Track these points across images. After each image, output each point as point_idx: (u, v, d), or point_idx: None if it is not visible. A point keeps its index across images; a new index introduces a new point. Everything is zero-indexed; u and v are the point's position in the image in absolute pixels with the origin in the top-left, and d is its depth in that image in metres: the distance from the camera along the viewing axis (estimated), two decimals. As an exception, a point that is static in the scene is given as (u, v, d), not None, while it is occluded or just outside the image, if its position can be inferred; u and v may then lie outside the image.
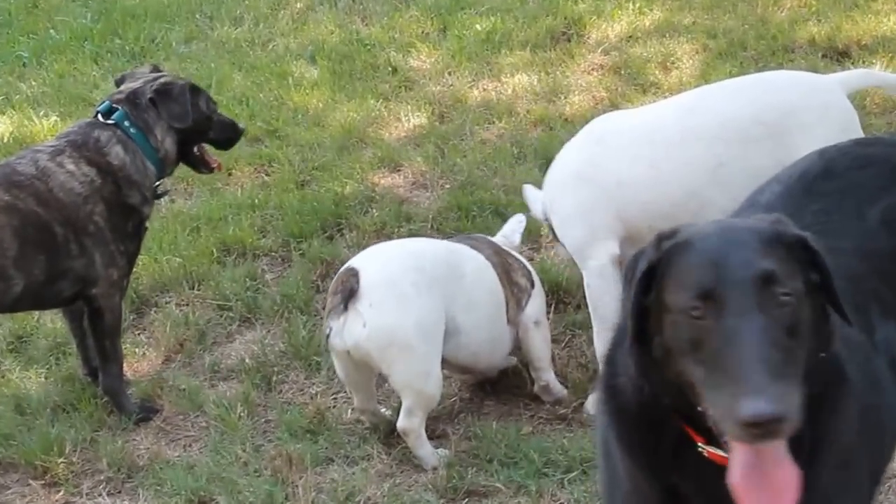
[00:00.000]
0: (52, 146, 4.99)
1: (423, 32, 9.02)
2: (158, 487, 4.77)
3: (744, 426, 2.40)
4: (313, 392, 5.26)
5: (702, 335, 2.53)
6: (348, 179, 6.87)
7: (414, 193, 6.79)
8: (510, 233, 5.45)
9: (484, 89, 7.98)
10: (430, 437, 4.82)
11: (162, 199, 5.60)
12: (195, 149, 5.35)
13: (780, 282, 2.53)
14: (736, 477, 2.54)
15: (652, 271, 2.67)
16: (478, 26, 8.90)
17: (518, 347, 5.11)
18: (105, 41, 9.34)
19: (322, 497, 4.61)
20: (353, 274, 4.56)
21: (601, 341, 4.78)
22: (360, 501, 4.59)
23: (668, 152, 4.79)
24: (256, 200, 6.72)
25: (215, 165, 5.43)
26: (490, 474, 4.60)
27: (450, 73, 8.23)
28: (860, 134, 4.73)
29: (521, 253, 5.42)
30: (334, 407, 5.17)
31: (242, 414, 5.11)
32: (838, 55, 7.85)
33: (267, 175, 7.12)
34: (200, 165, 5.40)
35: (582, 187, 4.90)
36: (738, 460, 2.54)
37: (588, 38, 8.57)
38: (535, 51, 8.42)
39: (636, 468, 2.84)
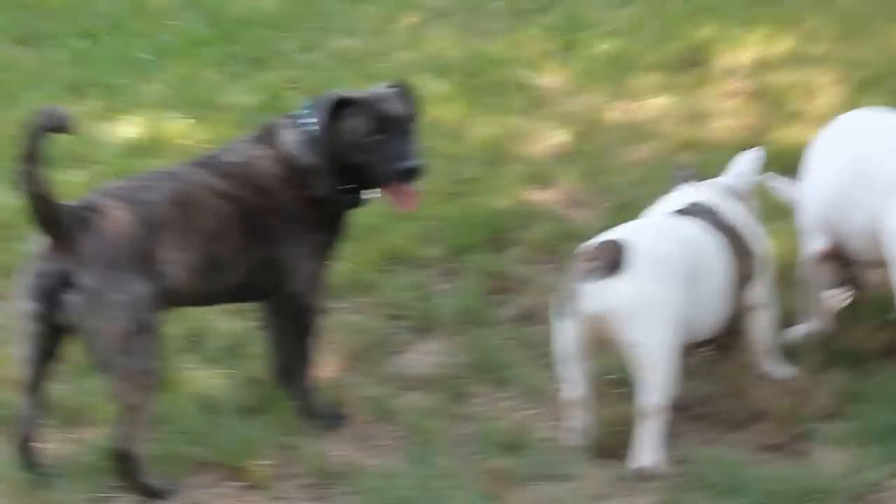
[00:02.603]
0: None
1: (546, 51, 8.99)
2: (358, 494, 4.69)
3: None
4: (505, 406, 5.20)
5: None
6: (501, 194, 6.81)
7: (571, 211, 6.75)
8: (744, 173, 5.41)
9: (623, 110, 7.93)
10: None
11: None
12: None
13: None
14: None
15: None
16: (602, 47, 8.87)
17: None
18: (222, 47, 9.28)
19: (535, 515, 4.53)
20: (622, 244, 4.68)
21: None
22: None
23: None
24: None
25: (394, 200, 5.02)
26: (713, 501, 4.52)
27: (583, 93, 8.19)
28: None
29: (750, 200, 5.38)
30: (531, 423, 5.07)
31: (439, 425, 5.01)
32: None
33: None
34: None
35: None
36: None
37: (718, 63, 8.53)
38: (667, 74, 8.38)
39: None
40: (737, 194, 5.34)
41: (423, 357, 5.57)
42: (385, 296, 5.95)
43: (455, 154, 7.35)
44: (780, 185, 5.67)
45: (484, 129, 7.71)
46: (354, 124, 4.85)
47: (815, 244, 5.31)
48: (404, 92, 5.02)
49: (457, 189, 7.00)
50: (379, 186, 4.94)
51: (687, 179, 5.42)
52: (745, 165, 5.46)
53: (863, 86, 7.84)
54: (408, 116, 4.91)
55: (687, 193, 5.32)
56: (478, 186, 6.95)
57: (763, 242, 5.28)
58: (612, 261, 4.70)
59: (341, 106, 4.86)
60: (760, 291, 5.18)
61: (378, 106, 4.86)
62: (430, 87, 8.35)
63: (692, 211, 5.14)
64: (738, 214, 5.24)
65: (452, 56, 9.02)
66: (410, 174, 4.84)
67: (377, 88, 5.04)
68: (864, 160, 4.98)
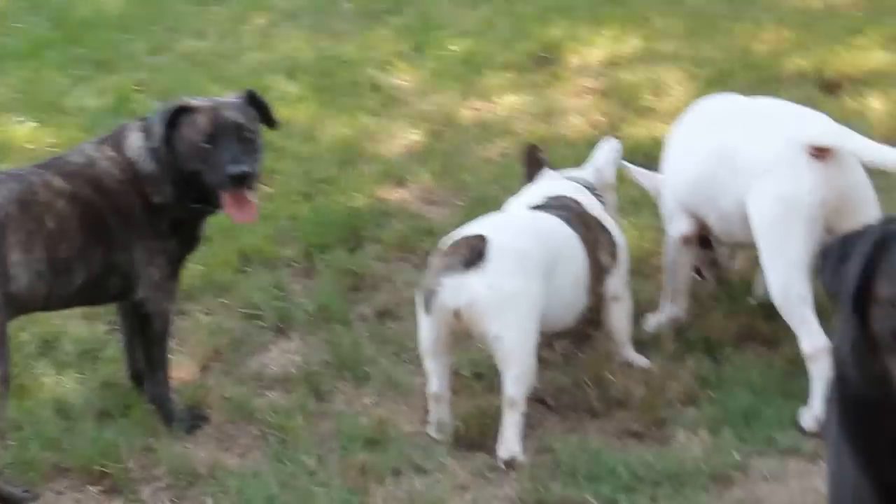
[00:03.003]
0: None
1: (398, 51, 9.02)
2: (224, 495, 4.64)
3: None
4: (366, 403, 5.18)
5: None
6: (356, 193, 6.81)
7: (426, 208, 6.78)
8: (603, 164, 5.54)
9: (475, 109, 7.98)
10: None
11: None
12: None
13: None
14: None
15: (869, 259, 2.65)
16: (453, 47, 8.93)
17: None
18: (66, 49, 9.14)
19: (401, 508, 4.52)
20: (482, 239, 4.69)
21: None
22: (443, 513, 4.50)
23: None
24: (265, 211, 6.59)
25: (229, 212, 4.86)
26: (577, 488, 4.55)
27: (435, 92, 8.22)
28: None
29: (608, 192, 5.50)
30: (393, 418, 5.07)
31: (300, 423, 4.99)
32: (828, 86, 8.00)
33: (268, 187, 7.01)
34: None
35: None
36: None
37: (569, 62, 8.64)
38: (519, 73, 8.46)
39: (857, 461, 2.81)
40: (595, 186, 5.41)
41: (282, 356, 5.53)
42: (241, 296, 5.90)
43: (308, 154, 7.34)
44: (640, 174, 5.76)
45: (337, 129, 7.71)
46: (188, 132, 4.78)
47: (678, 227, 5.39)
48: (251, 99, 4.96)
49: (311, 189, 6.99)
50: (215, 196, 4.84)
51: (541, 167, 5.48)
52: (602, 157, 5.53)
53: (710, 83, 7.98)
54: (244, 123, 4.83)
55: (546, 186, 5.38)
56: (332, 186, 6.95)
57: (620, 234, 5.36)
58: (472, 255, 4.72)
59: (179, 113, 4.81)
60: (617, 282, 5.25)
61: (212, 113, 4.80)
62: (281, 88, 8.35)
63: (551, 204, 5.19)
64: (596, 207, 5.31)
65: (303, 57, 9.01)
66: (239, 179, 4.74)
67: (224, 97, 5.01)
68: (727, 144, 5.07)
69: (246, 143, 4.77)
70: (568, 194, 5.27)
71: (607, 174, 5.53)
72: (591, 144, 7.01)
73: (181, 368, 5.35)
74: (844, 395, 2.82)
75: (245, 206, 4.80)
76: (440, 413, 4.90)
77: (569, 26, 9.15)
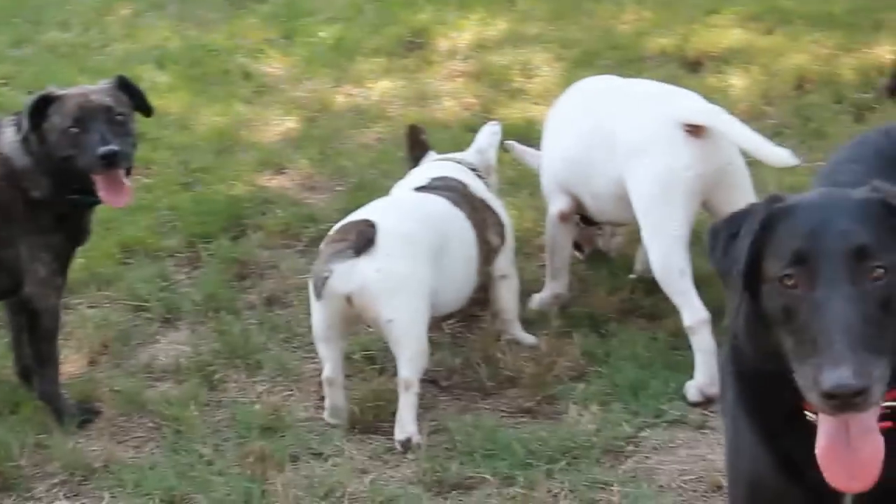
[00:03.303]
0: None
1: (267, 39, 8.96)
2: (121, 489, 4.58)
3: (825, 397, 2.41)
4: (259, 390, 5.15)
5: (793, 304, 2.54)
6: (235, 181, 6.75)
7: (306, 195, 6.75)
8: (485, 147, 5.58)
9: (348, 94, 7.96)
10: (391, 433, 4.79)
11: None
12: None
13: (874, 255, 2.53)
14: (821, 448, 2.55)
15: (757, 237, 2.66)
16: (322, 33, 8.90)
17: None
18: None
19: (301, 494, 4.50)
20: (370, 224, 4.70)
21: None
22: (342, 497, 4.48)
23: None
24: (145, 202, 6.53)
25: (102, 197, 4.79)
26: (474, 466, 4.57)
27: (308, 79, 8.19)
28: None
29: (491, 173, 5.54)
30: (287, 404, 5.05)
31: (194, 413, 4.94)
32: (691, 65, 8.14)
33: (146, 177, 6.93)
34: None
35: None
36: (823, 431, 2.55)
37: (438, 46, 8.66)
38: (389, 58, 8.46)
39: (759, 437, 2.84)
40: (478, 168, 5.45)
41: (171, 347, 5.47)
42: (126, 288, 5.83)
43: (184, 144, 7.26)
44: (527, 154, 5.82)
45: (211, 118, 7.63)
46: (55, 121, 4.71)
47: (556, 205, 5.44)
48: (121, 84, 4.89)
49: (189, 178, 6.92)
50: (91, 183, 4.75)
51: (425, 149, 5.50)
52: (484, 140, 5.57)
53: (577, 63, 8.07)
54: (112, 106, 4.76)
55: (430, 168, 5.39)
56: (211, 175, 6.88)
57: (505, 214, 5.40)
58: (360, 241, 4.72)
59: (45, 104, 4.72)
60: (505, 261, 5.29)
61: (79, 98, 4.73)
62: (152, 78, 8.24)
63: (436, 186, 5.21)
64: (481, 188, 5.34)
65: (172, 47, 8.92)
66: (109, 159, 4.66)
67: (93, 85, 4.93)
68: (603, 125, 5.14)
69: (116, 124, 4.71)
70: (452, 175, 5.29)
71: (489, 156, 5.57)
72: (465, 126, 7.11)
73: (69, 363, 5.26)
74: (741, 369, 2.84)
75: (119, 189, 4.73)
76: (335, 398, 4.89)
77: (436, 11, 9.17)
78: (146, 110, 4.95)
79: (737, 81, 7.71)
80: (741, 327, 2.78)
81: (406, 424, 4.73)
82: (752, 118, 7.23)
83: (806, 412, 2.67)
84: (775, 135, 7.02)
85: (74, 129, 4.66)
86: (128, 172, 4.81)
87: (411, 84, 7.98)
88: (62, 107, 4.69)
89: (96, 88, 4.82)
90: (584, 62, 8.07)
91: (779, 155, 4.82)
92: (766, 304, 2.63)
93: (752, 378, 2.81)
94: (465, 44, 8.60)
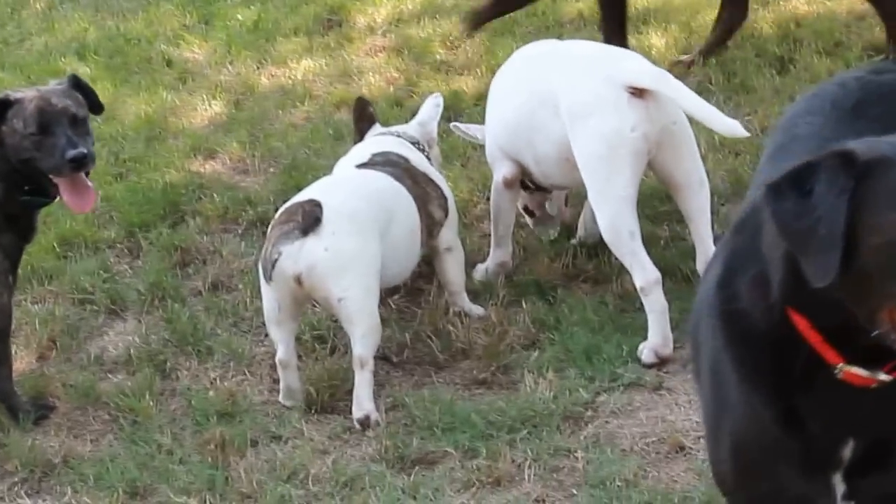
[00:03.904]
0: None
1: (185, 25, 8.76)
2: (83, 483, 4.44)
3: None
4: (212, 377, 5.02)
5: None
6: (168, 168, 6.58)
7: (240, 178, 6.59)
8: (427, 119, 5.50)
9: (272, 75, 7.80)
10: (349, 412, 4.69)
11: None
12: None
13: None
14: None
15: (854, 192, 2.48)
16: (239, 16, 8.72)
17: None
18: None
19: (263, 478, 4.38)
20: (316, 204, 4.61)
21: None
22: (306, 479, 4.38)
23: None
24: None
25: (66, 200, 4.71)
26: (436, 440, 4.48)
27: (230, 63, 8.01)
28: None
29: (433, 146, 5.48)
30: (241, 389, 4.92)
31: (149, 403, 4.79)
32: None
33: (77, 169, 6.72)
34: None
35: None
36: None
37: (356, 22, 8.51)
38: (310, 37, 8.30)
39: (754, 391, 2.78)
40: (420, 141, 5.34)
41: (120, 338, 5.32)
42: (69, 282, 5.64)
43: (113, 134, 7.06)
44: (467, 130, 5.70)
45: (137, 107, 7.43)
46: (16, 125, 4.59)
47: (501, 171, 5.33)
48: (74, 85, 4.79)
49: (122, 169, 6.73)
50: (48, 186, 4.68)
51: (371, 122, 5.38)
52: (426, 112, 5.47)
53: (496, 33, 7.94)
54: (73, 108, 4.65)
55: (371, 144, 5.28)
56: (143, 164, 6.70)
57: (447, 187, 5.29)
58: (307, 221, 4.61)
59: (3, 108, 4.60)
60: (449, 234, 5.19)
61: (39, 101, 4.61)
62: (74, 70, 7.95)
63: (380, 162, 5.10)
64: (423, 162, 5.23)
65: (91, 38, 8.68)
66: (79, 162, 4.57)
67: (46, 86, 4.82)
68: (547, 88, 5.03)
69: (78, 126, 4.60)
70: (394, 150, 5.17)
71: (431, 129, 5.47)
72: (392, 102, 7.00)
73: (18, 360, 5.09)
74: (741, 331, 2.75)
75: (84, 193, 4.65)
76: (289, 380, 4.78)
77: (351, -13, 8.99)
78: (98, 109, 4.86)
79: (657, 41, 7.63)
80: (780, 287, 2.63)
81: (363, 402, 4.63)
82: (675, 77, 7.17)
83: (837, 366, 2.59)
84: (700, 91, 6.96)
85: (37, 134, 4.54)
86: (86, 174, 4.67)
87: (334, 62, 7.82)
88: (22, 110, 4.58)
89: (52, 90, 4.70)
90: (504, 31, 7.95)
91: (729, 125, 4.75)
92: (874, 261, 2.46)
93: (760, 337, 2.70)
94: (382, 19, 8.44)
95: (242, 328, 5.30)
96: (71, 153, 4.53)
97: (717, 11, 7.41)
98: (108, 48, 8.42)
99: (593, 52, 5.25)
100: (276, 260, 4.60)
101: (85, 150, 4.57)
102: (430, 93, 6.55)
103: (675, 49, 7.56)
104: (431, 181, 5.15)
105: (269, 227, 4.78)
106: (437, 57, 7.79)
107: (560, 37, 7.26)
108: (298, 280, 4.61)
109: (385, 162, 5.09)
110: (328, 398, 4.77)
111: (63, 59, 8.24)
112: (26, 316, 5.39)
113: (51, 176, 4.62)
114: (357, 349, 4.65)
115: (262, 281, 4.71)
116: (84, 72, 7.88)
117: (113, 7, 9.31)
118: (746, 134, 4.88)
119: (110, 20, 9.05)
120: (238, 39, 8.30)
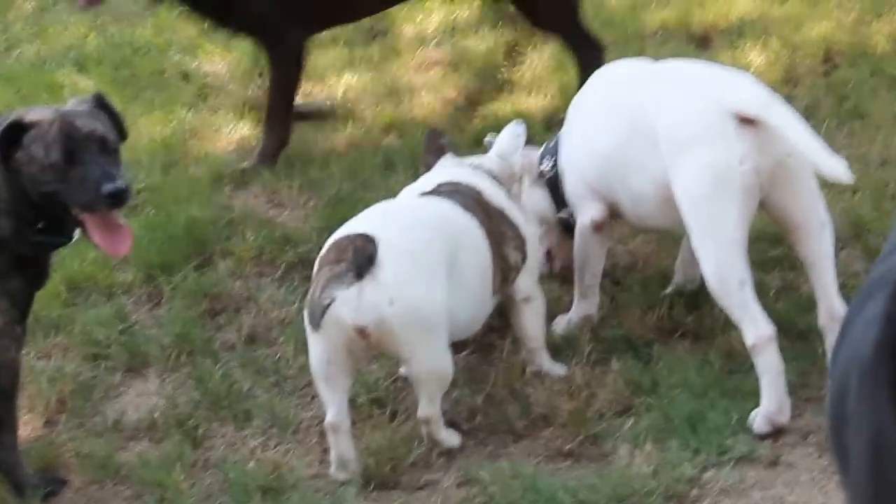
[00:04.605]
0: None
1: (202, 32, 8.88)
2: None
3: None
4: (252, 445, 5.11)
5: None
6: (191, 201, 6.70)
7: (274, 213, 6.72)
8: (508, 151, 5.54)
9: (308, 92, 7.93)
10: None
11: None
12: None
13: None
14: None
15: None
16: (266, 22, 8.84)
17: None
18: None
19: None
20: (369, 240, 4.63)
21: None
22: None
23: None
24: (88, 231, 6.45)
25: (96, 241, 4.74)
26: (515, 524, 4.57)
27: (259, 76, 8.14)
28: None
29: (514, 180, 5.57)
30: (287, 460, 5.02)
31: (179, 477, 4.89)
32: (699, 41, 8.17)
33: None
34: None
35: None
36: None
37: (403, 32, 8.64)
38: (351, 48, 8.43)
39: None
40: (497, 175, 5.41)
41: (141, 399, 5.43)
42: (79, 334, 5.76)
43: (125, 160, 7.13)
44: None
45: (150, 128, 7.57)
46: (35, 151, 4.61)
47: (589, 213, 5.43)
48: (99, 105, 4.85)
49: (135, 201, 6.80)
50: (70, 224, 4.74)
51: (442, 153, 5.47)
52: (506, 143, 5.54)
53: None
54: (104, 133, 4.71)
55: (439, 173, 5.36)
56: (161, 195, 6.81)
57: (528, 226, 5.37)
58: (360, 260, 4.65)
59: (16, 132, 4.63)
60: (528, 281, 5.27)
61: (62, 125, 4.64)
62: (74, 84, 8.16)
63: (447, 191, 5.17)
64: (499, 195, 5.31)
65: (90, 46, 8.84)
66: (115, 198, 4.63)
67: (66, 105, 4.86)
68: (643, 115, 5.12)
69: (109, 154, 4.66)
70: (465, 181, 5.25)
71: (513, 162, 5.53)
72: (450, 125, 7.09)
73: (22, 425, 5.18)
74: None
75: (118, 232, 4.71)
76: (341, 447, 4.85)
77: (395, -9, 9.12)
78: (123, 135, 4.89)
79: (755, 57, 7.75)
80: None
81: (442, 442, 4.85)
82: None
83: None
84: (808, 117, 7.03)
85: (62, 163, 4.59)
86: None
87: (379, 77, 7.95)
88: (42, 135, 4.60)
89: (77, 111, 4.74)
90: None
91: (834, 168, 4.77)
92: None
93: None
94: (434, 28, 8.58)
95: (286, 389, 5.39)
96: (108, 187, 4.59)
97: (821, 23, 7.53)
98: (113, 58, 8.56)
99: (695, 73, 5.32)
100: (327, 305, 4.67)
101: (124, 184, 4.63)
102: (494, 116, 6.70)
103: (778, 67, 7.66)
104: (508, 219, 5.24)
105: (316, 265, 4.85)
106: (500, 73, 7.90)
107: (642, 52, 7.40)
108: (362, 332, 4.68)
109: (452, 191, 5.18)
110: (389, 471, 4.85)
111: (60, 71, 8.38)
112: (31, 374, 5.50)
113: (76, 213, 4.67)
114: (424, 409, 4.78)
115: (309, 329, 4.78)
116: (85, 86, 8.04)
117: (116, 11, 9.42)
118: (851, 179, 4.89)
119: (113, 26, 9.19)
120: (266, 49, 8.42)
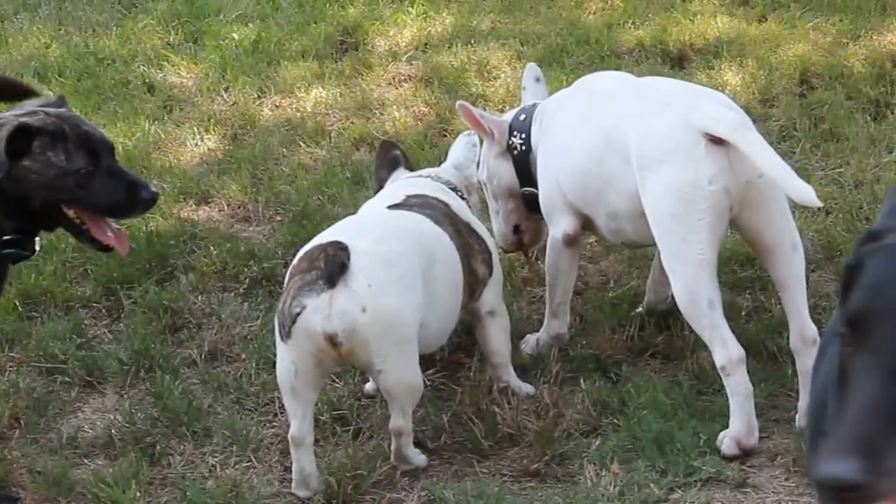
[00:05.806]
0: None
1: (168, 43, 8.95)
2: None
3: (818, 485, 2.32)
4: (211, 463, 5.13)
5: (843, 365, 2.48)
6: (154, 215, 6.70)
7: (238, 227, 6.74)
8: (464, 162, 5.62)
9: (276, 106, 7.97)
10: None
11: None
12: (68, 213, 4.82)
13: None
14: None
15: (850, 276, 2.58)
16: (235, 34, 8.89)
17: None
18: None
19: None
20: (341, 247, 4.64)
21: None
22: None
23: None
24: (47, 244, 6.45)
25: (108, 242, 4.88)
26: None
27: (226, 90, 8.18)
28: None
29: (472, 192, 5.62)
30: (247, 478, 5.03)
31: (136, 494, 4.90)
32: (674, 60, 8.23)
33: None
34: (81, 237, 4.92)
35: None
36: None
37: (375, 46, 8.69)
38: (321, 61, 8.48)
39: None
40: (457, 187, 5.45)
41: (98, 416, 5.44)
42: (34, 347, 5.76)
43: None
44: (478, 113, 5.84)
45: (114, 139, 7.51)
46: (52, 159, 4.65)
47: (562, 225, 5.47)
48: (63, 106, 4.92)
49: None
50: (77, 223, 4.81)
51: (395, 166, 5.50)
52: (461, 154, 5.58)
53: (542, 62, 8.05)
54: (108, 137, 4.85)
55: (404, 185, 5.39)
56: (123, 209, 6.81)
57: (491, 240, 5.41)
58: (331, 267, 4.64)
59: (24, 138, 4.63)
60: (491, 297, 5.30)
61: (73, 130, 4.70)
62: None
63: (417, 203, 5.21)
64: (465, 209, 5.35)
65: (53, 56, 8.86)
66: (151, 204, 4.88)
67: (36, 108, 4.85)
68: (617, 131, 5.16)
69: (115, 157, 4.82)
70: (431, 194, 5.29)
71: (469, 173, 5.57)
72: (420, 141, 7.13)
73: (-25, 442, 5.20)
74: None
75: (119, 233, 4.86)
76: (303, 462, 4.85)
77: (367, 5, 9.20)
78: None
79: (731, 77, 7.82)
80: None
81: (410, 459, 4.89)
82: (753, 120, 7.33)
83: None
84: (783, 139, 7.16)
85: (93, 167, 4.66)
86: None
87: (349, 92, 7.99)
88: (60, 141, 4.65)
89: (73, 116, 4.82)
90: (551, 59, 8.14)
91: (803, 192, 4.78)
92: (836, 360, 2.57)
93: None
94: (406, 42, 8.64)
95: (247, 406, 5.41)
96: (145, 194, 4.76)
97: (798, 44, 7.60)
98: (76, 69, 8.59)
99: (667, 90, 5.36)
100: (297, 314, 4.68)
101: (156, 190, 4.79)
102: (464, 129, 6.72)
103: (754, 87, 7.72)
104: (475, 232, 5.28)
105: (287, 275, 4.87)
106: (472, 88, 7.95)
107: (618, 70, 7.45)
108: (332, 341, 4.68)
109: (423, 204, 5.20)
110: (351, 490, 4.86)
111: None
112: (-15, 388, 5.51)
113: (79, 216, 4.75)
114: (396, 421, 4.82)
115: (278, 339, 4.79)
116: (47, 96, 8.05)
117: (80, 20, 9.50)
118: (819, 204, 4.92)
119: (77, 35, 9.23)
120: (234, 62, 8.48)
